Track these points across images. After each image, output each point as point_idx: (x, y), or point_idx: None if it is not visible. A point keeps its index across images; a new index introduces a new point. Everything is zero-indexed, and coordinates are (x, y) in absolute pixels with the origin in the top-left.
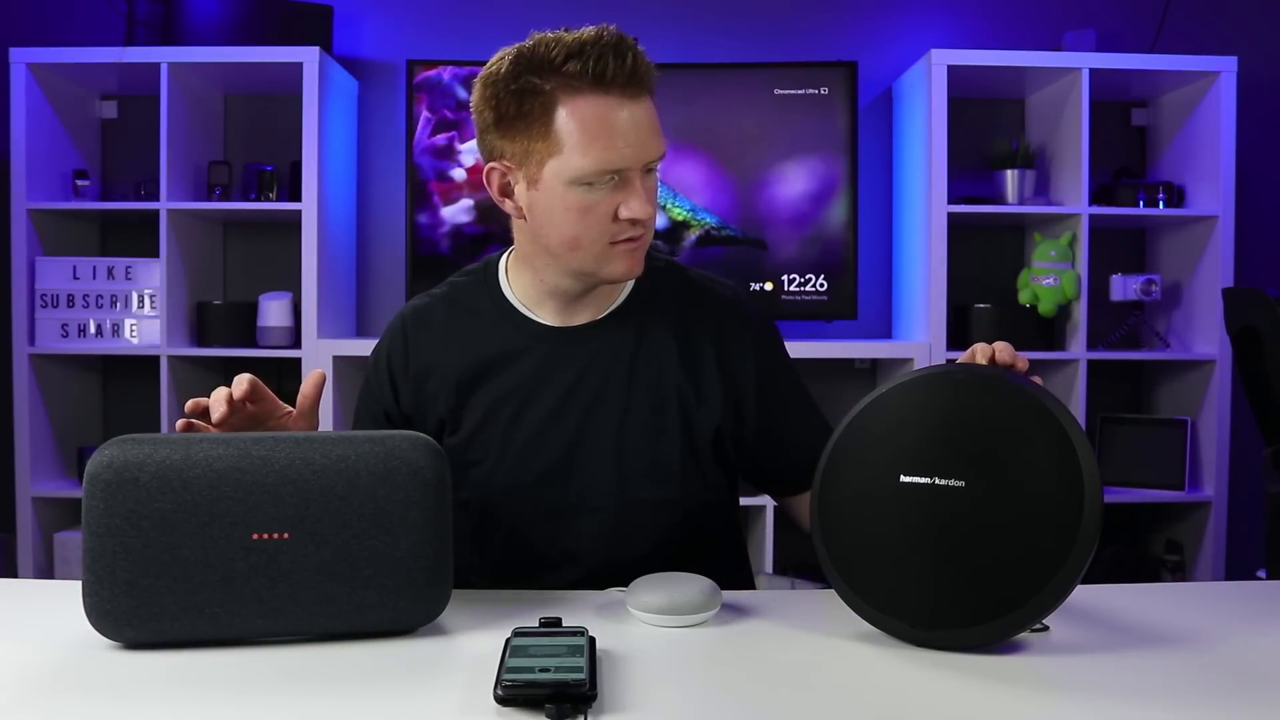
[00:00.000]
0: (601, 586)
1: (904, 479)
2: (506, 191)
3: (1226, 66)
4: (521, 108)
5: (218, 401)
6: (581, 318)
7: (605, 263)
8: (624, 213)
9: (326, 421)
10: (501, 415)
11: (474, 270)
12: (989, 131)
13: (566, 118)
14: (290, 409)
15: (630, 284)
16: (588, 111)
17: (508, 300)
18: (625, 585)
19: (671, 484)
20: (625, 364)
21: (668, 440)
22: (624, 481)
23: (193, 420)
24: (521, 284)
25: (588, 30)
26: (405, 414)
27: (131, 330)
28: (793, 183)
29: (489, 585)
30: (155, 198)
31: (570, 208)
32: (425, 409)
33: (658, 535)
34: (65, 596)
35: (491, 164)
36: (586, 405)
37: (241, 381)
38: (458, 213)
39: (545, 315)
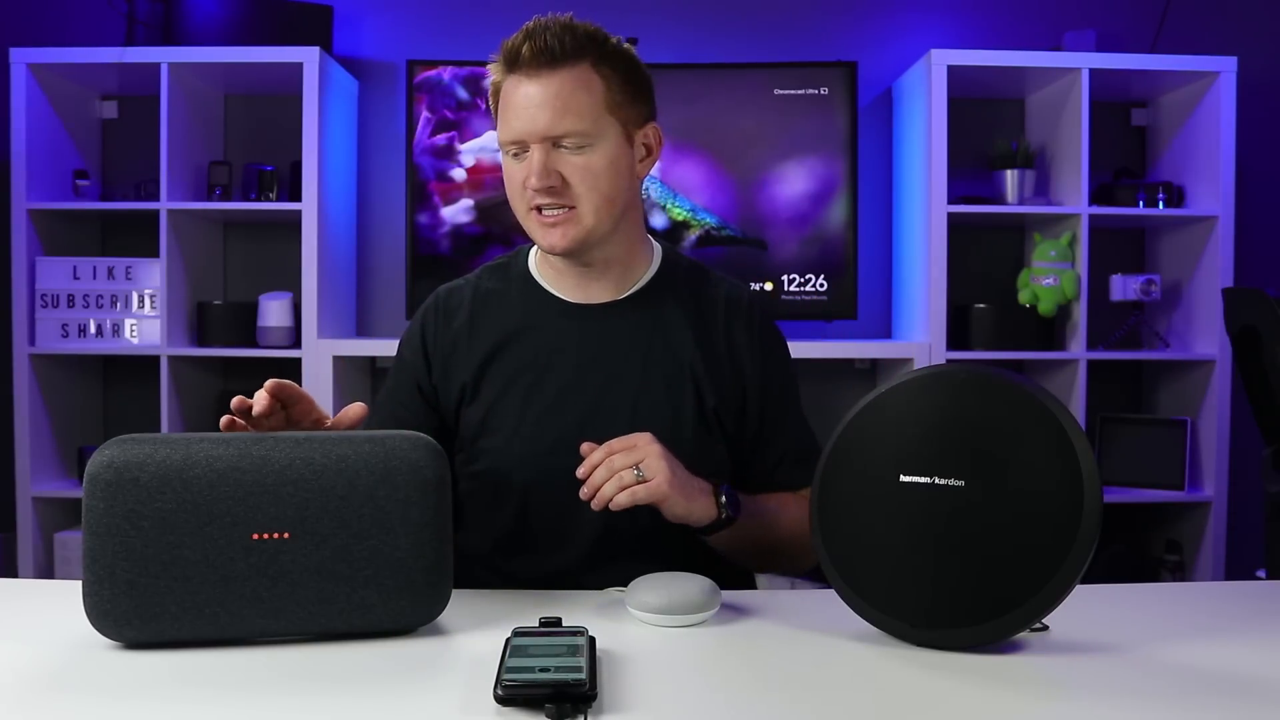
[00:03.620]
0: (611, 561)
1: (903, 479)
2: None
3: (1226, 66)
4: (491, 94)
5: (260, 397)
6: (601, 296)
7: (534, 232)
8: (525, 182)
9: None
10: (520, 384)
11: (506, 255)
12: (989, 131)
13: (501, 96)
14: (328, 415)
15: (653, 269)
16: (507, 87)
17: (533, 278)
18: (631, 566)
19: (683, 458)
20: (643, 342)
21: (681, 416)
22: None
23: (235, 418)
24: (543, 262)
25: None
26: (434, 384)
27: (131, 330)
28: (793, 183)
29: (500, 564)
30: (155, 198)
31: (505, 177)
32: (451, 377)
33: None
34: (65, 596)
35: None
36: (603, 379)
37: (277, 382)
38: (458, 213)
39: (566, 292)
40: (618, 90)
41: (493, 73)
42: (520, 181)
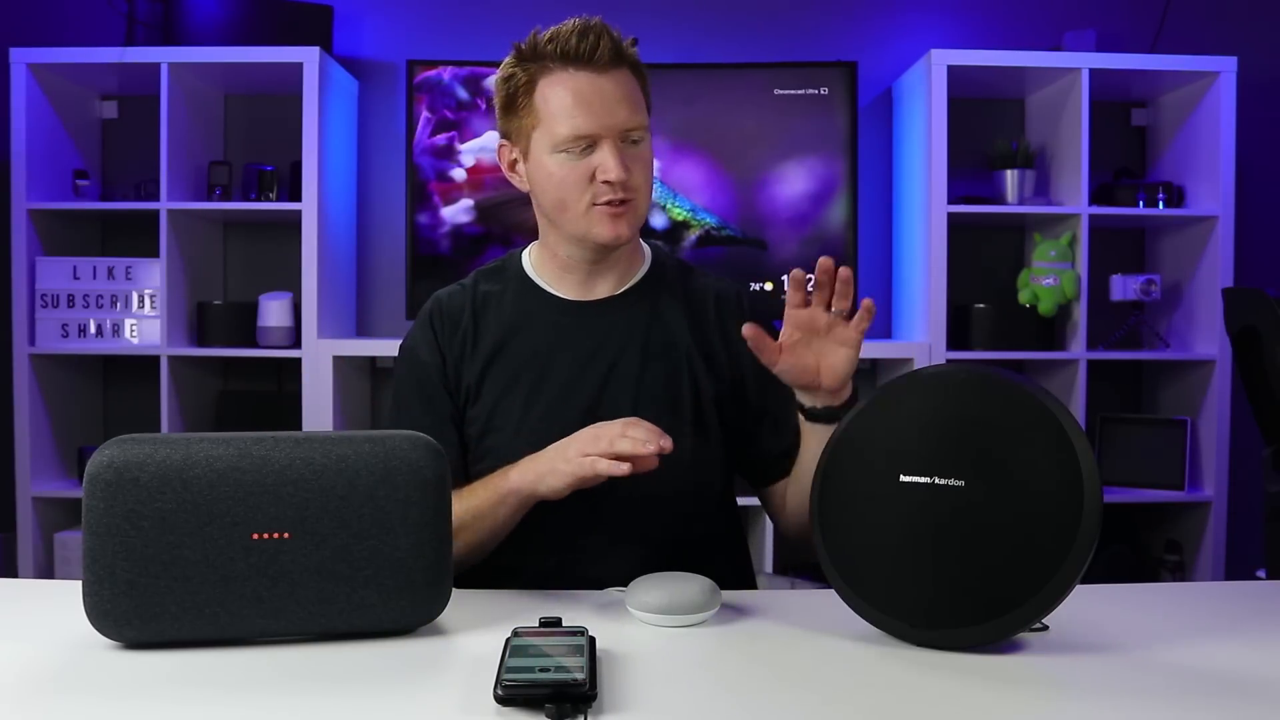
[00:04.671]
0: (616, 556)
1: (904, 479)
2: (513, 167)
3: (1226, 66)
4: (513, 92)
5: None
6: (599, 293)
7: (591, 225)
8: (600, 175)
9: (326, 421)
10: (522, 383)
11: (498, 260)
12: (989, 131)
13: (543, 94)
14: None
15: (645, 265)
16: (559, 86)
17: (530, 278)
18: (634, 561)
19: (684, 447)
20: (640, 335)
21: (680, 405)
22: None
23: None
24: (542, 262)
25: (569, 20)
26: (451, 386)
27: (131, 330)
28: (793, 183)
29: (503, 560)
30: (155, 198)
31: (553, 174)
32: (459, 379)
33: (670, 502)
34: (65, 596)
35: (501, 143)
36: (603, 373)
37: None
38: (458, 213)
39: (564, 290)
40: (645, 92)
41: (520, 70)
42: (585, 176)
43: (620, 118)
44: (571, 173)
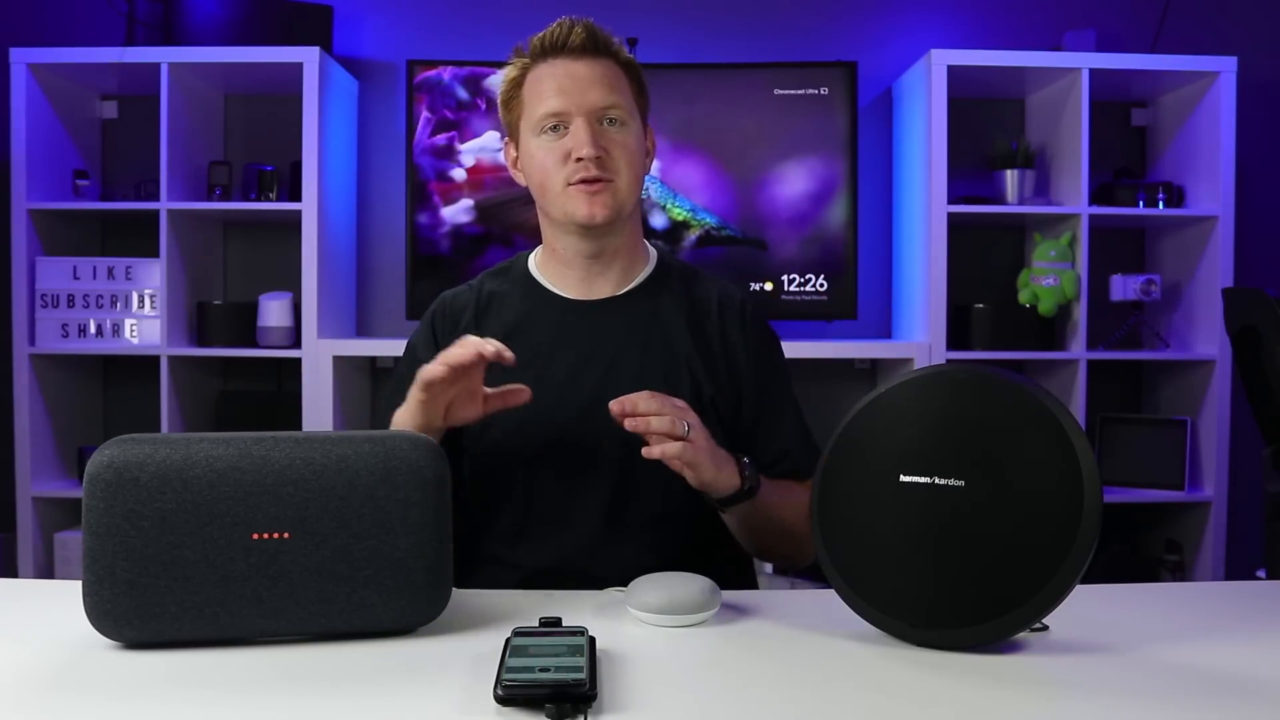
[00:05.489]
0: (614, 549)
1: (904, 479)
2: (515, 164)
3: (1226, 66)
4: (508, 89)
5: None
6: (601, 292)
7: (569, 204)
8: (573, 152)
9: (326, 422)
10: (524, 379)
11: (505, 261)
12: (989, 131)
13: (528, 86)
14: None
15: (650, 267)
16: (538, 73)
17: (533, 277)
18: (634, 554)
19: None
20: (640, 335)
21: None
22: (636, 441)
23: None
24: (545, 262)
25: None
26: None
27: (131, 330)
28: (793, 183)
29: (504, 554)
30: (155, 198)
31: (534, 156)
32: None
33: (668, 499)
34: (65, 596)
35: (505, 141)
36: (602, 370)
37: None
38: (458, 213)
39: (567, 289)
40: (636, 87)
41: (513, 67)
42: (561, 155)
43: (592, 97)
44: (550, 153)
